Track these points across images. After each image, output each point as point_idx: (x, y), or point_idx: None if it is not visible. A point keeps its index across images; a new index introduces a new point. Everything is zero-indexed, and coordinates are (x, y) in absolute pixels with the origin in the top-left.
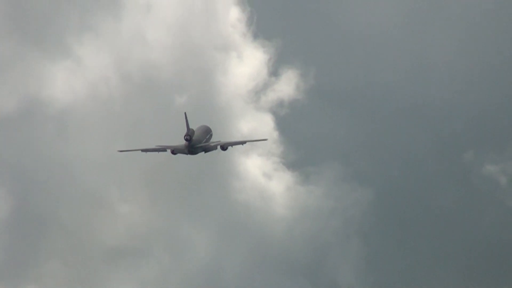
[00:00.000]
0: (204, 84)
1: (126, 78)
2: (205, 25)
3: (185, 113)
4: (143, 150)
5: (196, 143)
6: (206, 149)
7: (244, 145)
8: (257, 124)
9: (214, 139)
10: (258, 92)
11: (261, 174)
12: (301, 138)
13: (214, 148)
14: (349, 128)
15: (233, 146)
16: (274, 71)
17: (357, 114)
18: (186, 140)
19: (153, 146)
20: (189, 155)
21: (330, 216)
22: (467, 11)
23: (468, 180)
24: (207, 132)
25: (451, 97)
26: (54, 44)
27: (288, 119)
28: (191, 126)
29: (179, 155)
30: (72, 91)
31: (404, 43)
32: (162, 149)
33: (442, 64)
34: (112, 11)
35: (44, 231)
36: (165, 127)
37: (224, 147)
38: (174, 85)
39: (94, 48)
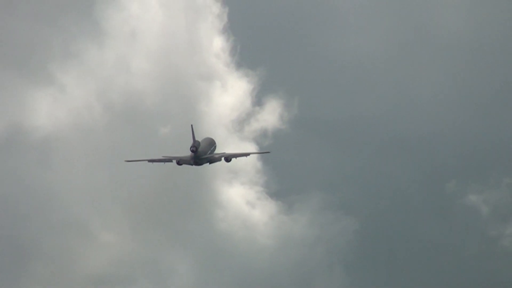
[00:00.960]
0: (187, 114)
1: (109, 107)
2: (188, 54)
3: (191, 125)
4: (149, 161)
5: (202, 155)
6: (211, 161)
7: (247, 157)
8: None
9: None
10: (241, 121)
11: (244, 203)
12: (285, 168)
13: (219, 159)
14: (333, 158)
15: (237, 158)
16: (258, 101)
17: (341, 145)
18: (192, 151)
19: (159, 157)
20: (194, 166)
21: (314, 245)
22: (452, 44)
23: (450, 210)
24: (212, 144)
25: (434, 128)
26: (37, 71)
27: (271, 148)
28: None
29: (184, 166)
30: (55, 119)
31: (388, 75)
32: (168, 160)
33: (426, 95)
34: (96, 39)
35: (26, 260)
36: (148, 157)
37: (228, 159)
38: (158, 114)
39: (78, 76)
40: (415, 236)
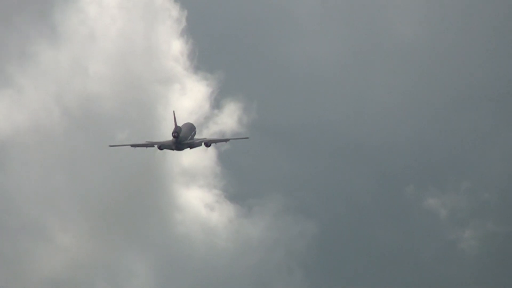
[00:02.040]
0: (146, 118)
1: (67, 110)
2: (147, 57)
3: (173, 111)
4: (132, 145)
5: (183, 140)
6: (192, 146)
7: (226, 142)
8: (199, 156)
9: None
10: (200, 125)
11: (202, 206)
12: (244, 171)
13: (199, 144)
14: (292, 162)
15: (217, 144)
16: (217, 104)
17: (299, 149)
18: (173, 136)
19: (142, 142)
20: (175, 151)
21: (273, 248)
22: (408, 50)
23: (409, 214)
24: (192, 129)
25: (391, 133)
26: None
27: (230, 152)
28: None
29: (165, 150)
30: (11, 121)
31: (345, 81)
32: (150, 145)
33: (382, 101)
34: (53, 41)
35: None
36: (105, 161)
37: (208, 144)
38: (116, 118)
39: (35, 78)
40: (374, 240)
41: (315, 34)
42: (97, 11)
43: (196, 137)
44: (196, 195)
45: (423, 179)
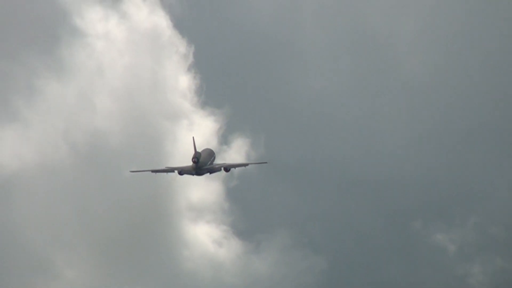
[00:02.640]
0: (153, 153)
1: (74, 145)
2: (154, 93)
3: (193, 137)
4: (153, 171)
5: (203, 165)
6: (211, 171)
7: (246, 167)
8: (207, 192)
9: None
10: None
11: (210, 241)
12: (252, 207)
13: (219, 169)
14: (300, 197)
15: (236, 168)
16: (224, 140)
17: (307, 184)
18: (193, 162)
19: (162, 167)
20: (195, 176)
21: (281, 284)
22: (415, 86)
23: (417, 249)
24: (211, 155)
25: (399, 168)
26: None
27: (238, 188)
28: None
29: (185, 176)
30: (18, 156)
31: (352, 116)
32: (171, 170)
33: (389, 136)
34: (61, 75)
35: None
36: (113, 197)
37: (227, 169)
38: (123, 153)
39: (41, 113)
40: (382, 275)
41: (322, 69)
42: (105, 46)
43: (215, 162)
44: (204, 231)
45: (431, 214)
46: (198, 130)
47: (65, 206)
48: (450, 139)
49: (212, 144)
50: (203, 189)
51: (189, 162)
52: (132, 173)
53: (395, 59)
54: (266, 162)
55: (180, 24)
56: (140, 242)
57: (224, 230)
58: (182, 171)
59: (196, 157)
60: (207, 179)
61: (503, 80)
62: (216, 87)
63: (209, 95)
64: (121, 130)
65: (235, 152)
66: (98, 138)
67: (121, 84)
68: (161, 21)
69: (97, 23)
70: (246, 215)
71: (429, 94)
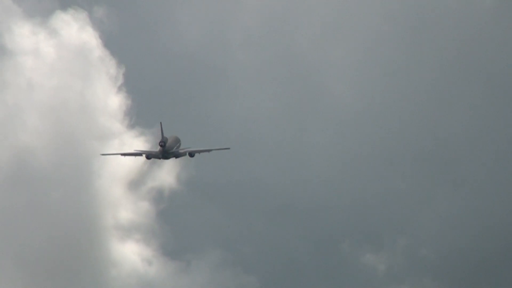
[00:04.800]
0: (81, 175)
1: (1, 163)
2: (83, 112)
3: (160, 122)
4: (122, 154)
5: (169, 149)
6: (177, 155)
7: (209, 152)
8: (136, 213)
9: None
10: (137, 181)
11: (139, 260)
12: (181, 228)
13: (184, 154)
14: (229, 218)
15: (200, 154)
16: (155, 160)
17: (237, 206)
18: (160, 146)
19: (131, 151)
20: (162, 160)
21: None
22: (341, 108)
23: (346, 269)
24: (177, 141)
25: (326, 192)
26: None
27: (168, 208)
28: None
29: (152, 159)
30: None
31: (280, 139)
32: (139, 154)
33: (316, 158)
34: None
35: None
36: (39, 215)
37: (192, 154)
38: (49, 175)
39: None
40: None
41: (251, 93)
42: (34, 63)
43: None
44: (132, 250)
45: (360, 236)
46: (128, 150)
47: None
48: (379, 160)
49: (143, 165)
50: (132, 208)
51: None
52: (102, 156)
53: (325, 85)
54: (228, 148)
55: (110, 43)
56: (67, 262)
57: (153, 249)
58: (149, 155)
59: (163, 141)
60: (137, 198)
61: (434, 108)
62: (146, 108)
63: (139, 116)
64: (48, 150)
65: (166, 172)
66: (24, 156)
67: (49, 103)
68: (91, 39)
69: (25, 40)
70: (176, 235)
71: (358, 121)
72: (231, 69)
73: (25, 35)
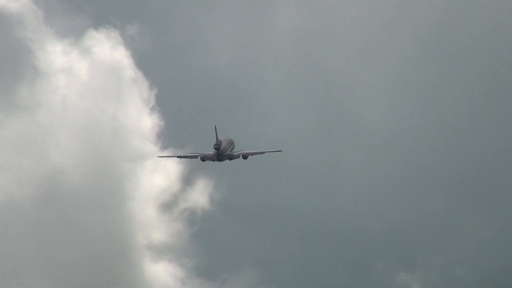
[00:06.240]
0: (115, 196)
1: (32, 184)
2: (116, 134)
3: (215, 126)
4: (178, 156)
5: (223, 152)
6: (231, 158)
7: (262, 154)
8: (170, 234)
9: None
10: (171, 202)
11: (173, 281)
12: (215, 249)
13: (238, 156)
14: (265, 240)
15: (253, 156)
16: (188, 182)
17: (271, 229)
18: (215, 149)
19: (187, 153)
20: (216, 162)
21: None
22: (372, 131)
23: None
24: (231, 143)
25: (360, 211)
26: None
27: (201, 229)
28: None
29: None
30: None
31: (315, 164)
32: (194, 156)
33: (348, 180)
34: (21, 111)
35: None
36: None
37: (245, 156)
38: (82, 195)
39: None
40: None
41: (282, 113)
42: (66, 83)
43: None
44: (166, 269)
45: (394, 256)
46: (162, 172)
47: (24, 245)
48: (412, 182)
49: (175, 187)
50: (165, 229)
51: None
52: (159, 158)
53: (358, 108)
54: (280, 151)
55: (142, 63)
56: (101, 281)
57: (188, 270)
58: (204, 157)
59: (218, 144)
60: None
61: (468, 130)
62: (178, 130)
63: (172, 137)
64: (81, 169)
65: (198, 194)
66: (57, 176)
67: (82, 123)
68: (123, 59)
69: (58, 59)
70: (210, 255)
71: (391, 144)
72: (262, 91)
73: (58, 55)
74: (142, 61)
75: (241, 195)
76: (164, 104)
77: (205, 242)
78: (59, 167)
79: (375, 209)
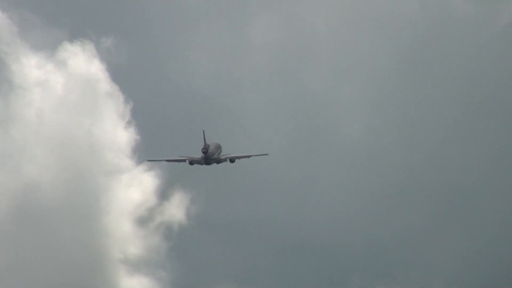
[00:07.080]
0: (90, 210)
1: (6, 197)
2: (91, 148)
3: (203, 130)
4: (167, 160)
5: (211, 156)
6: (218, 161)
7: (249, 158)
8: (146, 248)
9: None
10: (147, 217)
11: None
12: (192, 263)
13: (225, 160)
14: (240, 255)
15: (240, 159)
16: (164, 195)
17: (246, 243)
18: (203, 152)
19: (175, 157)
20: (204, 166)
21: None
22: (349, 145)
23: None
24: (219, 147)
25: (336, 228)
26: None
27: (177, 243)
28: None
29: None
30: None
31: (291, 177)
32: (183, 160)
33: (327, 198)
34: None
35: None
36: (47, 250)
37: (232, 160)
38: (56, 210)
39: None
40: None
41: (259, 129)
42: (41, 97)
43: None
44: (142, 284)
45: (372, 271)
46: (138, 186)
47: None
48: (388, 196)
49: (151, 201)
50: (141, 243)
51: None
52: (149, 161)
53: (336, 124)
54: (267, 154)
55: (118, 76)
56: None
57: (164, 284)
58: (192, 161)
59: (206, 148)
60: (146, 233)
61: (446, 146)
62: (154, 144)
63: (148, 151)
64: (55, 183)
65: (175, 207)
66: (32, 191)
67: (57, 137)
68: (98, 72)
69: (32, 72)
70: (186, 269)
71: (368, 159)
72: (240, 106)
73: (33, 68)
74: (117, 74)
75: (218, 209)
76: (140, 118)
77: (181, 256)
78: (33, 181)
79: (354, 224)
